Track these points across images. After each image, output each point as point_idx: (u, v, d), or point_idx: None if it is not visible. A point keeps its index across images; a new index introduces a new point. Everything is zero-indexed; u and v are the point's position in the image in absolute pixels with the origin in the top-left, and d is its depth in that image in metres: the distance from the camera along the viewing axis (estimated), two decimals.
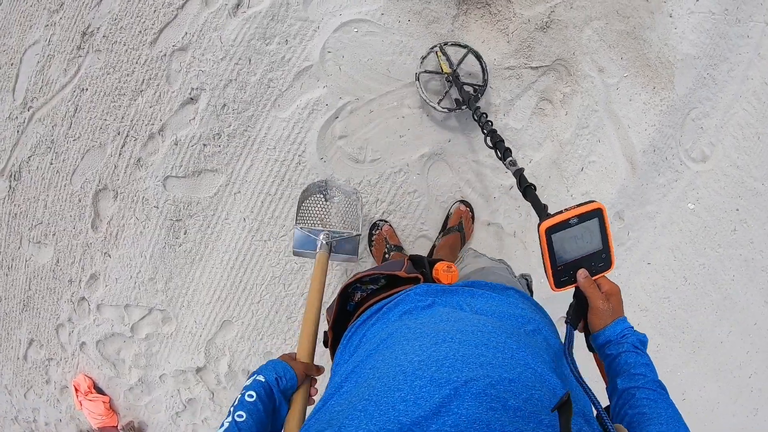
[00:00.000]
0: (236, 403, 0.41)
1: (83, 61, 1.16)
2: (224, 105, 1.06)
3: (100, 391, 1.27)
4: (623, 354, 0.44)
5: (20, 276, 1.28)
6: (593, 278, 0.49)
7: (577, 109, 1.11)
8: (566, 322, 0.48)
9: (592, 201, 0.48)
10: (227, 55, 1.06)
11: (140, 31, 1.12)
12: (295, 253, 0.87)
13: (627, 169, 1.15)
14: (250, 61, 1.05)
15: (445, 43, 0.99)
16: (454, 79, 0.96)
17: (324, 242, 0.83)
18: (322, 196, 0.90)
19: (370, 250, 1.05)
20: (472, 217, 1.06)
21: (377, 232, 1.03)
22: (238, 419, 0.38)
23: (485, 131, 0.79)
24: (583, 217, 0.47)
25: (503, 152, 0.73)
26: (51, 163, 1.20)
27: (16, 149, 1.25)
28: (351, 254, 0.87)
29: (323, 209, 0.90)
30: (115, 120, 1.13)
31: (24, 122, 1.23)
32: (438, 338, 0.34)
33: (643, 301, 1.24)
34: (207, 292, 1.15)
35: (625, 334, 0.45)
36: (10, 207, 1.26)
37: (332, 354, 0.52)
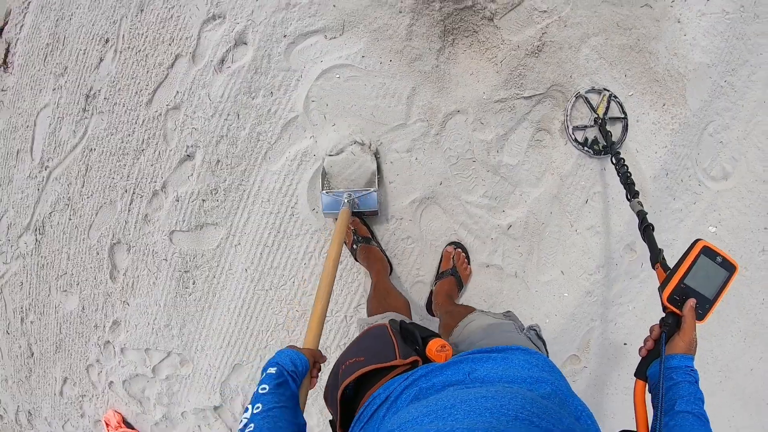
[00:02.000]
0: (252, 399, 0.46)
1: (89, 123, 1.29)
2: (218, 161, 1.15)
3: (129, 425, 1.45)
4: (688, 383, 0.50)
5: (51, 321, 1.47)
6: None
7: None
8: (663, 331, 0.54)
9: (737, 262, 0.56)
10: (216, 111, 1.14)
11: (136, 92, 1.23)
12: (326, 215, 1.05)
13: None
14: (238, 116, 1.13)
15: (615, 96, 1.09)
16: (602, 123, 1.05)
17: (346, 200, 0.98)
18: (339, 165, 1.04)
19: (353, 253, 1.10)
20: (467, 257, 1.08)
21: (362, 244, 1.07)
22: (255, 411, 0.43)
23: (620, 173, 0.90)
24: (725, 263, 0.56)
25: (633, 194, 0.85)
26: (70, 219, 1.36)
27: (38, 206, 1.41)
28: (373, 207, 1.02)
29: (343, 172, 1.04)
30: (121, 178, 1.25)
31: (43, 181, 1.39)
32: (443, 419, 0.36)
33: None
34: (218, 337, 1.26)
35: (693, 369, 0.52)
36: (38, 258, 1.44)
37: None
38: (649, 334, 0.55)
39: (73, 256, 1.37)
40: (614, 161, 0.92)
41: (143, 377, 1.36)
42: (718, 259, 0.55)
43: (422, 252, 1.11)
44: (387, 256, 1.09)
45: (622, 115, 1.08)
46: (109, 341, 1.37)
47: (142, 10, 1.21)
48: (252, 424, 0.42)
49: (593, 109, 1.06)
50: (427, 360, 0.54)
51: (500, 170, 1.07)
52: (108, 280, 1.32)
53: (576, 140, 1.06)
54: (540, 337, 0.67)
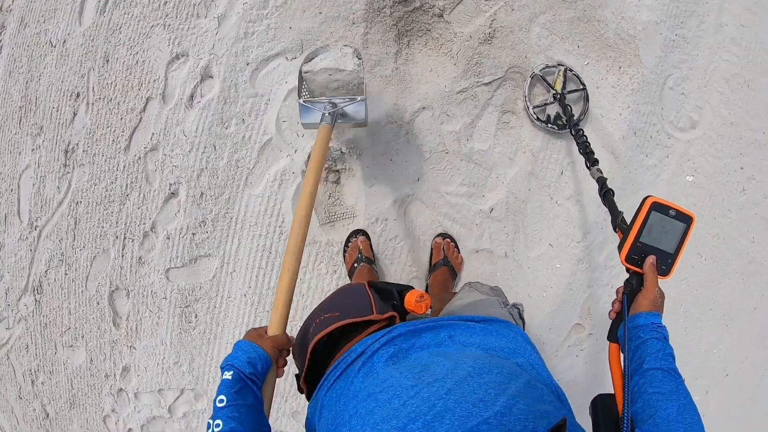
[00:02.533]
0: (212, 413, 0.42)
1: (72, 177, 1.32)
2: (202, 194, 1.18)
3: None
4: (655, 340, 0.49)
5: (62, 378, 1.47)
6: None
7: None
8: (624, 292, 0.54)
9: (692, 212, 0.56)
10: (193, 146, 1.17)
11: (113, 140, 1.26)
12: (305, 126, 0.88)
13: (610, 161, 1.16)
14: (215, 147, 1.16)
15: (570, 69, 1.10)
16: (561, 98, 1.07)
17: (326, 113, 0.80)
18: (320, 65, 0.87)
19: (343, 257, 1.10)
20: (456, 247, 1.10)
21: (353, 240, 1.08)
22: (216, 429, 0.39)
23: (578, 142, 0.90)
24: (679, 216, 0.55)
25: (592, 162, 0.85)
26: (66, 274, 1.37)
27: (33, 266, 1.43)
28: (359, 119, 0.85)
29: (324, 77, 0.87)
30: (111, 226, 1.28)
31: (34, 241, 1.40)
32: (427, 386, 0.36)
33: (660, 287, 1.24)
34: None
35: (660, 326, 0.51)
36: (40, 318, 1.45)
37: (308, 395, 0.53)
38: (616, 296, 0.55)
39: (75, 310, 1.38)
40: (573, 133, 0.94)
41: (161, 419, 1.36)
42: (671, 212, 0.55)
43: (412, 248, 1.14)
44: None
45: (581, 86, 1.12)
46: (121, 388, 1.38)
47: (107, 61, 1.25)
48: None
49: (551, 86, 1.09)
50: (405, 317, 0.54)
51: (473, 157, 1.10)
52: (112, 328, 1.33)
53: (539, 119, 1.09)
54: (521, 317, 0.68)
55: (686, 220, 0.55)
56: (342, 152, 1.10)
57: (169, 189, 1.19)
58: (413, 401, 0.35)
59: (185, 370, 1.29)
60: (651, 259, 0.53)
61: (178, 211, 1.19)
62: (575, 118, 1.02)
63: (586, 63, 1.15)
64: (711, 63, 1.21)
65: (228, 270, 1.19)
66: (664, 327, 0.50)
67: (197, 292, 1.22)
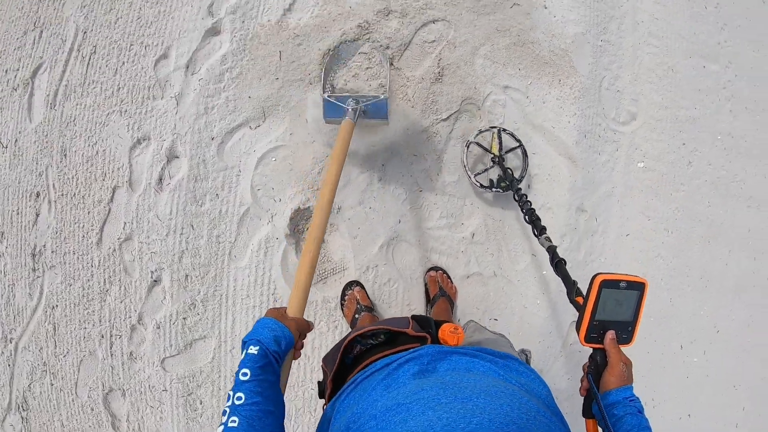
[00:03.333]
0: (234, 385, 0.40)
1: (43, 281, 1.22)
2: (187, 276, 1.13)
3: None
4: (630, 416, 0.49)
5: None
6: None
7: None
8: (588, 373, 0.53)
9: (642, 278, 0.55)
10: (170, 229, 1.13)
11: (83, 236, 1.19)
12: (327, 121, 0.89)
13: (569, 166, 1.23)
14: (192, 226, 1.12)
15: (504, 129, 1.12)
16: (500, 160, 1.08)
17: (350, 109, 0.82)
18: (344, 62, 0.91)
19: (342, 311, 1.09)
20: (448, 277, 1.12)
21: (349, 292, 1.07)
22: (237, 402, 0.39)
23: (524, 210, 0.89)
24: (631, 285, 0.53)
25: (540, 229, 0.84)
26: (52, 384, 1.25)
27: (14, 382, 1.30)
28: (382, 117, 0.87)
29: (348, 73, 0.92)
30: (94, 326, 1.19)
31: (11, 355, 1.28)
32: (461, 402, 0.36)
33: (637, 269, 1.30)
34: None
35: (633, 399, 0.50)
36: None
37: (327, 401, 0.53)
38: (583, 373, 0.55)
39: (67, 421, 1.26)
40: (516, 198, 0.94)
41: None
42: (622, 284, 0.53)
43: (406, 288, 1.13)
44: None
45: (517, 143, 1.14)
46: None
47: (65, 155, 1.20)
48: (235, 418, 0.39)
49: (488, 150, 1.11)
50: (436, 341, 0.55)
51: (446, 190, 1.13)
52: None
53: (482, 185, 1.09)
54: (529, 363, 0.68)
55: (638, 287, 0.54)
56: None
57: (151, 277, 1.13)
58: (447, 415, 0.35)
59: None
60: (610, 335, 0.52)
61: (164, 297, 1.13)
62: (518, 176, 1.04)
63: (529, 83, 1.22)
64: (636, 58, 1.33)
65: (227, 348, 1.13)
66: (637, 399, 0.51)
67: (198, 377, 1.15)
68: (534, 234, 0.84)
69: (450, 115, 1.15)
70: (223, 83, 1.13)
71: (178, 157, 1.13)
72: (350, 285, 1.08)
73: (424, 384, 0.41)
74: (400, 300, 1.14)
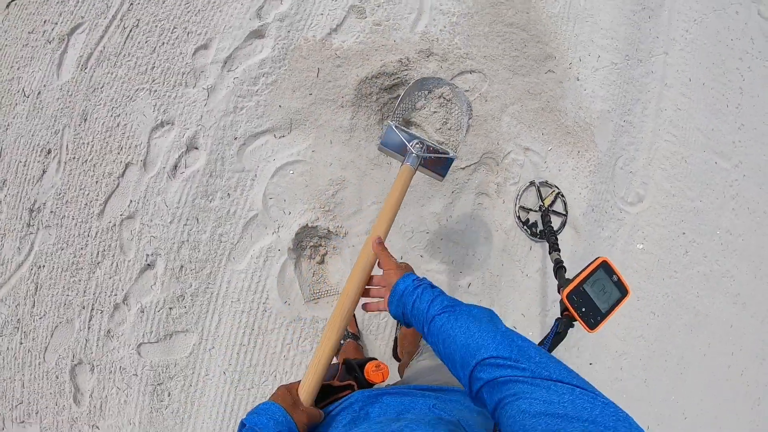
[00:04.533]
0: None
1: (35, 238, 1.18)
2: (182, 267, 1.09)
3: None
4: (421, 297, 0.50)
5: None
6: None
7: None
8: (554, 327, 0.57)
9: (630, 289, 0.62)
10: (174, 217, 1.10)
11: (86, 204, 1.15)
12: (380, 149, 0.77)
13: (572, 235, 1.24)
14: (197, 220, 1.09)
15: (563, 196, 1.15)
16: (545, 212, 1.11)
17: (414, 154, 0.72)
18: (440, 97, 0.82)
19: None
20: None
21: None
22: None
23: (553, 260, 0.92)
24: (619, 284, 0.60)
25: (563, 283, 0.84)
26: (21, 343, 1.20)
27: None
28: (439, 174, 0.77)
29: (435, 113, 0.83)
30: (77, 294, 1.15)
31: None
32: None
33: (619, 346, 1.31)
34: None
35: (415, 279, 0.52)
36: None
37: None
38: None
39: (29, 383, 1.20)
40: (551, 251, 0.95)
41: None
42: (614, 277, 0.60)
43: (395, 323, 1.12)
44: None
45: (564, 213, 1.19)
46: None
47: (85, 119, 1.16)
48: None
49: (541, 199, 1.16)
50: (365, 384, 0.55)
51: (452, 237, 1.13)
52: (72, 405, 1.17)
53: (519, 218, 1.15)
54: None
55: (623, 291, 0.61)
56: (329, 231, 1.08)
57: (146, 260, 1.10)
58: None
59: None
60: (376, 239, 0.57)
61: (155, 283, 1.10)
62: (553, 239, 1.04)
63: (549, 149, 1.23)
64: (653, 143, 1.35)
65: (207, 347, 1.10)
66: (420, 278, 0.52)
67: (172, 369, 1.11)
68: (558, 285, 0.86)
69: (469, 165, 1.15)
70: (257, 87, 1.11)
71: (197, 149, 1.10)
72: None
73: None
74: (387, 333, 1.13)
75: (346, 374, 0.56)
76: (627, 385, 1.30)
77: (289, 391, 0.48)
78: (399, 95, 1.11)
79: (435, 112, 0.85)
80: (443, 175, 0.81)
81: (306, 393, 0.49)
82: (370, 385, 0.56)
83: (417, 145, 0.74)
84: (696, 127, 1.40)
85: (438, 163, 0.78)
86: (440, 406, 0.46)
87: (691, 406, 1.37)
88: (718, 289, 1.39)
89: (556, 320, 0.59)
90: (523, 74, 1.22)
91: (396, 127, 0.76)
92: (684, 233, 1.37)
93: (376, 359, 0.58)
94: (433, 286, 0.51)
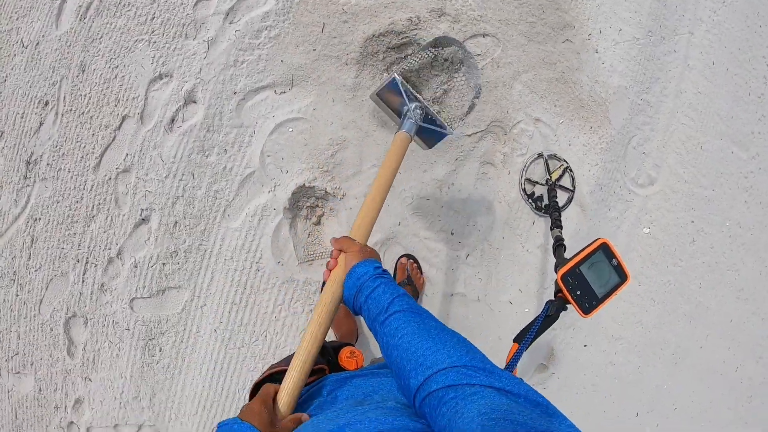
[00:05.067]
0: None
1: (32, 191, 1.15)
2: (176, 222, 1.06)
3: None
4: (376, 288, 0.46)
5: (5, 406, 1.27)
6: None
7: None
8: (544, 310, 0.54)
9: (629, 274, 0.58)
10: (170, 172, 1.06)
11: (82, 157, 1.12)
12: (374, 98, 0.69)
13: (578, 213, 1.18)
14: (193, 175, 1.05)
15: (572, 171, 1.09)
16: (551, 186, 1.05)
17: (409, 119, 0.64)
18: (447, 60, 0.69)
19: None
20: (419, 268, 1.06)
21: None
22: None
23: (554, 237, 0.87)
24: (618, 269, 0.57)
25: (560, 262, 0.79)
26: (17, 295, 1.19)
27: None
28: (429, 146, 0.71)
29: (437, 76, 0.69)
30: (72, 248, 1.12)
31: None
32: None
33: (616, 330, 1.26)
34: (192, 403, 1.15)
35: (377, 268, 0.48)
36: None
37: None
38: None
39: (24, 335, 1.20)
40: (553, 227, 0.90)
41: None
42: (614, 261, 0.56)
43: None
44: (357, 326, 1.03)
45: (571, 189, 1.13)
46: (72, 422, 1.20)
47: (83, 71, 1.11)
48: None
49: (549, 172, 1.10)
50: (338, 368, 0.52)
51: (453, 205, 1.08)
52: (66, 357, 1.16)
53: (524, 190, 1.10)
54: None
55: (622, 276, 0.56)
56: (326, 192, 1.03)
57: (140, 215, 1.07)
58: None
59: (145, 406, 1.15)
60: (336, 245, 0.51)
61: (149, 238, 1.07)
62: (556, 215, 0.99)
63: (561, 121, 1.17)
64: (670, 125, 1.27)
65: (199, 304, 1.08)
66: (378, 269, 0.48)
67: (164, 324, 1.09)
68: (554, 255, 0.82)
69: (475, 133, 1.09)
70: (259, 40, 1.06)
71: (195, 102, 1.06)
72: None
73: (319, 422, 0.37)
74: None
75: (320, 357, 0.52)
76: (620, 370, 1.27)
77: (265, 404, 0.41)
78: (408, 54, 1.04)
79: (437, 75, 0.72)
80: (431, 147, 0.74)
81: (289, 396, 0.43)
82: (343, 369, 0.53)
83: (417, 110, 0.66)
84: (715, 112, 1.32)
85: (430, 134, 0.71)
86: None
87: (683, 396, 1.33)
88: (722, 282, 1.33)
89: (548, 302, 0.55)
90: (539, 42, 1.14)
91: (402, 82, 0.67)
92: (693, 221, 1.31)
93: (351, 345, 0.54)
94: (396, 284, 0.46)
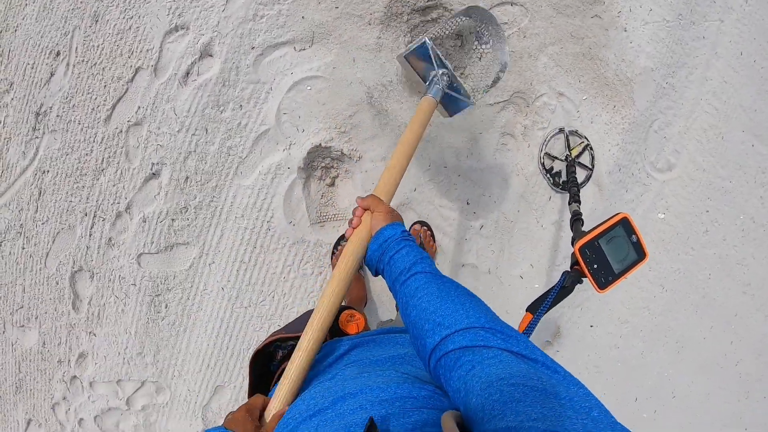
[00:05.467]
0: None
1: (41, 143, 1.12)
2: (187, 178, 1.03)
3: None
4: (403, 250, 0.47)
5: (9, 359, 1.26)
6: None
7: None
8: (558, 283, 0.52)
9: (648, 252, 0.56)
10: (183, 126, 1.03)
11: (93, 109, 1.08)
12: (401, 59, 0.69)
13: (594, 192, 1.15)
14: (206, 130, 1.02)
15: (592, 148, 1.05)
16: (570, 163, 1.01)
17: (438, 84, 0.64)
18: (474, 32, 0.70)
19: (331, 260, 1.01)
20: (432, 235, 1.04)
21: (343, 243, 1.00)
22: None
23: (572, 211, 0.83)
24: (637, 246, 0.56)
25: (577, 235, 0.76)
26: (23, 248, 1.17)
27: None
28: (450, 114, 0.72)
29: (465, 46, 0.72)
30: (80, 201, 1.10)
31: None
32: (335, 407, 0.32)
33: (623, 314, 1.25)
34: (196, 361, 1.14)
35: (404, 231, 0.48)
36: None
37: None
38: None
39: (30, 288, 1.18)
40: (571, 204, 0.86)
41: (117, 410, 1.20)
42: (633, 237, 0.55)
43: None
44: (366, 292, 1.02)
45: (590, 167, 1.09)
46: (75, 376, 1.20)
47: (96, 21, 1.07)
48: None
49: (569, 148, 1.06)
50: (339, 333, 0.51)
51: (470, 175, 1.05)
52: (71, 311, 1.15)
53: (543, 165, 1.07)
54: None
55: (641, 254, 0.55)
56: (342, 153, 1.01)
57: (151, 169, 1.04)
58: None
59: (149, 362, 1.14)
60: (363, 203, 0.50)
61: (158, 193, 1.04)
62: (575, 189, 0.96)
63: (584, 98, 1.13)
64: (693, 112, 1.24)
65: (207, 261, 1.06)
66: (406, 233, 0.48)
67: (171, 281, 1.07)
68: (571, 230, 0.80)
69: (497, 103, 1.05)
70: None
71: (212, 56, 1.02)
72: (344, 237, 1.01)
73: (318, 393, 0.36)
74: None
75: None
76: (624, 353, 1.26)
77: (250, 413, 0.39)
78: (433, 18, 1.01)
79: (465, 44, 0.73)
80: (451, 116, 0.74)
81: (282, 404, 0.41)
82: (344, 333, 0.52)
83: (444, 77, 0.66)
84: (739, 104, 1.28)
85: (453, 102, 0.70)
86: (410, 355, 0.43)
87: (682, 386, 1.32)
88: (730, 275, 1.31)
89: (564, 273, 0.54)
90: (568, 15, 1.10)
91: (432, 47, 0.66)
92: (707, 211, 1.28)
93: (351, 308, 0.53)
94: (420, 248, 0.46)
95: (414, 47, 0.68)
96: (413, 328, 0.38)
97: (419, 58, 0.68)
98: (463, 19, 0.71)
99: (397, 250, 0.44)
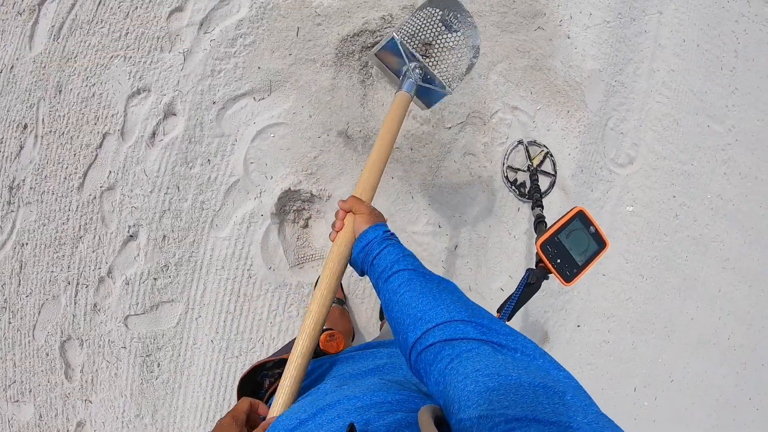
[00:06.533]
0: None
1: (17, 216, 1.12)
2: (164, 236, 1.04)
3: None
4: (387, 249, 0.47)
5: None
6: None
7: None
8: (524, 278, 0.53)
9: (608, 240, 0.58)
10: (155, 186, 1.03)
11: (65, 178, 1.08)
12: (373, 59, 0.69)
13: (561, 197, 1.18)
14: (178, 188, 1.03)
15: (552, 156, 1.08)
16: (533, 172, 1.04)
17: (411, 78, 0.64)
18: (442, 22, 0.69)
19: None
20: None
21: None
22: None
23: (535, 215, 0.84)
24: (597, 236, 0.57)
25: (540, 233, 0.81)
26: (9, 322, 1.15)
27: None
28: (427, 105, 0.72)
29: (435, 36, 0.68)
30: (62, 270, 1.09)
31: None
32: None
33: (608, 308, 1.26)
34: (194, 416, 1.12)
35: (386, 232, 0.48)
36: None
37: None
38: None
39: (20, 362, 1.16)
40: (534, 214, 0.87)
41: None
42: (592, 229, 0.56)
43: None
44: (352, 325, 1.02)
45: (553, 173, 1.13)
46: None
47: (60, 91, 1.08)
48: None
49: (530, 158, 1.09)
50: (320, 354, 0.51)
51: (438, 198, 1.07)
52: (64, 381, 1.13)
53: (507, 178, 1.09)
54: None
55: (601, 243, 0.56)
56: (312, 194, 1.02)
57: (128, 231, 1.04)
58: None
59: (147, 423, 1.12)
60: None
61: (138, 254, 1.04)
62: (537, 195, 0.98)
63: (538, 108, 1.16)
64: (645, 105, 1.28)
65: (193, 316, 1.05)
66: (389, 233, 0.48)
67: (160, 339, 1.07)
68: (532, 208, 0.83)
69: (454, 125, 1.08)
70: (234, 48, 1.04)
71: (175, 115, 1.03)
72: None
73: (299, 407, 0.37)
74: (374, 298, 1.08)
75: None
76: (615, 347, 1.27)
77: (236, 419, 0.39)
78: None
79: (435, 35, 0.67)
80: (429, 107, 0.74)
81: (282, 409, 0.42)
82: (325, 354, 0.52)
83: (416, 70, 0.65)
84: (689, 89, 1.33)
85: (429, 93, 0.70)
86: (392, 358, 0.43)
87: (678, 368, 1.33)
88: (707, 254, 1.34)
89: (528, 270, 0.55)
90: (512, 31, 1.14)
91: (401, 42, 0.65)
92: (674, 196, 1.31)
93: (330, 329, 0.53)
94: (403, 246, 0.47)
95: (383, 44, 0.68)
96: (395, 324, 0.38)
97: (391, 55, 0.68)
98: (428, 10, 0.71)
99: (380, 251, 0.44)
